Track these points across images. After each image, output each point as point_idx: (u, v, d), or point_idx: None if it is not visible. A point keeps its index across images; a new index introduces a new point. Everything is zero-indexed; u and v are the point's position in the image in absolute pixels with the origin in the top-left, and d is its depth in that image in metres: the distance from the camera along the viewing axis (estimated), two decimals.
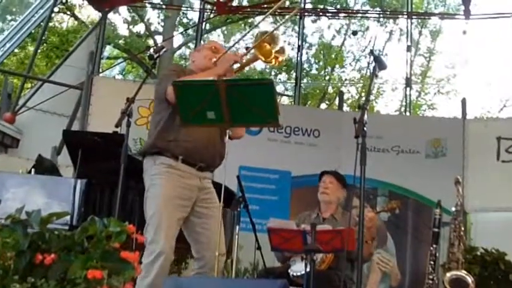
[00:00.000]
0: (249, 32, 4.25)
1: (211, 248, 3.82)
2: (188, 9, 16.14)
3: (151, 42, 17.61)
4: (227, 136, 3.84)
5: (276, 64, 4.03)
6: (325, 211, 5.22)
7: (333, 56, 19.05)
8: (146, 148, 3.99)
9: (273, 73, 18.16)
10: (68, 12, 17.16)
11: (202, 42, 11.63)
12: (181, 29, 17.27)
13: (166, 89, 3.80)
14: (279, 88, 17.88)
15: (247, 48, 4.09)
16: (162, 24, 17.35)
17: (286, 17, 4.13)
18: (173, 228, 3.78)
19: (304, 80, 17.19)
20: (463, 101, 9.49)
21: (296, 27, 15.52)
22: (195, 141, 3.87)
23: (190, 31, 16.55)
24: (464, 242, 5.07)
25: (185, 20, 17.25)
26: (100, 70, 10.98)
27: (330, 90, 19.20)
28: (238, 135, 4.09)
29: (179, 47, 17.97)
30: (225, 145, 3.89)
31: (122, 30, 18.18)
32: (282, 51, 3.99)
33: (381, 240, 8.28)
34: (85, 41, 10.78)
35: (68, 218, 4.70)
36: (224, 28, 18.41)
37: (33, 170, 5.76)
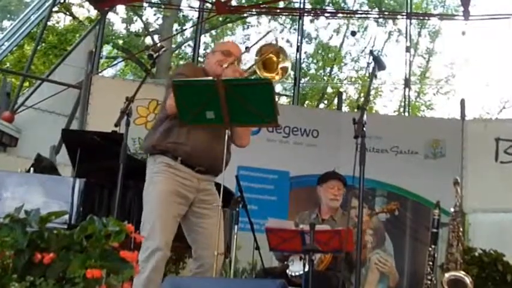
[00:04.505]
0: (256, 43, 4.11)
1: (209, 248, 3.82)
2: (187, 8, 16.14)
3: (149, 41, 17.63)
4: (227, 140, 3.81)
5: (275, 79, 3.96)
6: (325, 213, 5.23)
7: (330, 55, 19.07)
8: (146, 147, 4.03)
9: None
10: (67, 12, 17.15)
11: (200, 41, 11.63)
12: (179, 28, 17.28)
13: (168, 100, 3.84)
14: (278, 88, 17.92)
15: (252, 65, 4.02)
16: (160, 22, 17.38)
17: None
18: (170, 225, 3.79)
19: (303, 80, 17.19)
20: (462, 102, 9.49)
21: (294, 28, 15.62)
22: (194, 146, 3.88)
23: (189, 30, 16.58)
24: (462, 242, 5.08)
25: (185, 14, 17.26)
26: (99, 69, 10.96)
27: (329, 90, 19.24)
28: (242, 144, 4.08)
29: (178, 47, 17.98)
30: (230, 153, 3.88)
31: (120, 29, 18.21)
32: (285, 69, 3.96)
33: (380, 241, 8.29)
34: (84, 40, 10.79)
35: (66, 217, 4.70)
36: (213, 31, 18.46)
37: (32, 169, 5.75)
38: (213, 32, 18.43)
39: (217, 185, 4.05)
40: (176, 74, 4.13)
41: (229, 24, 17.95)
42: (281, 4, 11.84)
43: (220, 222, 3.77)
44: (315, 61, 19.24)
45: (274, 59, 3.91)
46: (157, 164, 3.90)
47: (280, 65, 3.90)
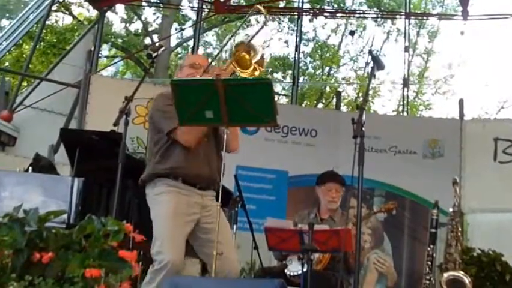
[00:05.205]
0: (237, 29, 4.16)
1: (224, 259, 3.78)
2: (187, 7, 16.14)
3: (148, 40, 17.62)
4: (223, 150, 3.81)
5: (255, 75, 3.95)
6: (325, 212, 5.23)
7: (328, 55, 19.09)
8: (145, 178, 4.00)
9: (269, 71, 18.15)
10: (66, 11, 17.15)
11: (199, 41, 11.62)
12: (179, 27, 17.28)
13: (175, 131, 3.82)
14: (277, 87, 17.89)
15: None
16: (159, 22, 17.37)
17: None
18: (180, 242, 3.77)
19: (301, 79, 17.19)
20: (460, 102, 9.48)
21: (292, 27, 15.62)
22: (192, 167, 3.89)
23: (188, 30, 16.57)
24: (461, 242, 5.08)
25: (184, 13, 17.24)
26: (97, 69, 10.95)
27: (327, 89, 19.25)
28: (231, 149, 4.07)
29: (178, 46, 17.97)
30: (222, 159, 3.89)
31: (119, 28, 18.21)
32: (261, 62, 3.96)
33: (378, 241, 8.29)
34: (83, 40, 10.77)
35: (65, 216, 4.69)
36: (217, 29, 18.43)
37: (30, 168, 5.74)
38: (217, 30, 18.42)
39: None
40: (156, 110, 4.03)
41: (232, 23, 17.93)
42: (281, 4, 11.83)
43: (224, 224, 3.80)
44: (312, 60, 19.25)
45: (247, 56, 3.91)
46: (159, 187, 3.90)
47: (253, 60, 3.90)
